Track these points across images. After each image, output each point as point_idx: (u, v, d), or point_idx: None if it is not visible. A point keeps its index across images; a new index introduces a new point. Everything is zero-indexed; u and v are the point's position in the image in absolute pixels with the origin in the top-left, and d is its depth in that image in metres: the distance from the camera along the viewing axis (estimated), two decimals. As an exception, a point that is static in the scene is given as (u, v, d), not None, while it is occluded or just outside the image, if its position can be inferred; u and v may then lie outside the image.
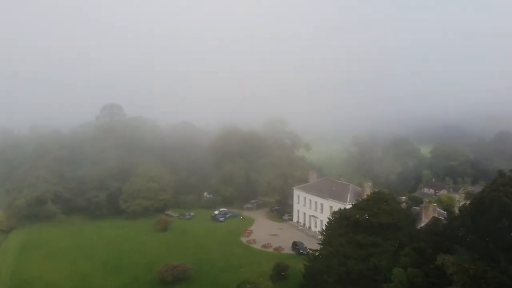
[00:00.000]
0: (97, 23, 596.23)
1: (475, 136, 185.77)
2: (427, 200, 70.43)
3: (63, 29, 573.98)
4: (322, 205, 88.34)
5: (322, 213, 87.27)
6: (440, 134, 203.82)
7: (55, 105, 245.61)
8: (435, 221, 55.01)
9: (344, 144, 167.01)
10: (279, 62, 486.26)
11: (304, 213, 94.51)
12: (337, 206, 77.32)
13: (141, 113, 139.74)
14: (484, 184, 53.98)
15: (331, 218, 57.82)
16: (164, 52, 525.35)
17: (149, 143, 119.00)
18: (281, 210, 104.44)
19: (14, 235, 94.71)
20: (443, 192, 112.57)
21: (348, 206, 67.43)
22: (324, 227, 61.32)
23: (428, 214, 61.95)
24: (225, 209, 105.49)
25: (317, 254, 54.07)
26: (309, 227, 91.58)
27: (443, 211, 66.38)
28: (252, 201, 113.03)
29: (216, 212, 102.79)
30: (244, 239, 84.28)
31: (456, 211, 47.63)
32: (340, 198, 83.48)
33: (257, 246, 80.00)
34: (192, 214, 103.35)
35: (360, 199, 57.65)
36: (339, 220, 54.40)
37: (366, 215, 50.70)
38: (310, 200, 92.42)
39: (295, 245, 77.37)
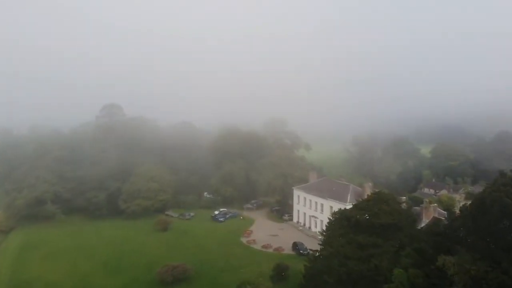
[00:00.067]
0: (97, 23, 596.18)
1: (475, 136, 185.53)
2: (427, 200, 70.21)
3: (63, 29, 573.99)
4: (322, 205, 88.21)
5: (322, 213, 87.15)
6: (440, 134, 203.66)
7: (55, 105, 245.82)
8: (435, 221, 54.89)
9: (344, 144, 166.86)
10: (279, 62, 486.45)
11: (304, 213, 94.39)
12: (337, 206, 77.18)
13: (141, 113, 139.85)
14: (485, 184, 53.93)
15: (331, 218, 57.68)
16: (164, 52, 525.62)
17: (149, 143, 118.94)
18: (281, 210, 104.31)
19: (14, 235, 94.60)
20: (444, 192, 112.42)
21: (349, 206, 67.34)
22: (324, 228, 61.19)
23: (429, 214, 61.86)
24: (225, 209, 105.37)
25: (317, 254, 53.91)
26: (309, 228, 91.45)
27: (443, 211, 66.23)
28: (252, 201, 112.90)
29: (216, 212, 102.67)
30: (244, 240, 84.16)
31: (457, 211, 47.47)
32: (340, 198, 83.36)
33: (257, 246, 79.87)
34: (192, 214, 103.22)
35: (361, 199, 57.50)
36: (339, 221, 54.25)
37: (366, 215, 50.58)
38: (310, 200, 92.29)
39: (295, 246, 77.25)
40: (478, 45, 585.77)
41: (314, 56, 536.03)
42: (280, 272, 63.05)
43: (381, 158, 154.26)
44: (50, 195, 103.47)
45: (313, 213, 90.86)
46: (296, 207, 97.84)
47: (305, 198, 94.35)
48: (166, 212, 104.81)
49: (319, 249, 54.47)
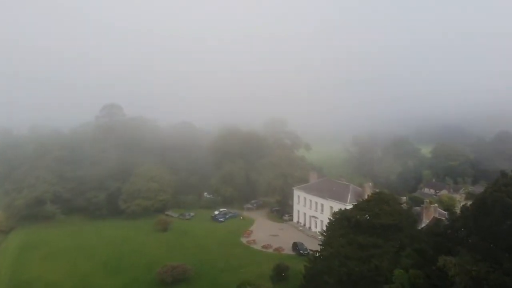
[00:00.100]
0: (97, 23, 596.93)
1: (475, 136, 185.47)
2: (427, 200, 70.16)
3: (63, 29, 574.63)
4: (322, 205, 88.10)
5: (322, 213, 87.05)
6: (440, 134, 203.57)
7: (55, 105, 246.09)
8: (436, 221, 54.75)
9: (344, 144, 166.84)
10: (279, 62, 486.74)
11: (305, 214, 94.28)
12: (337, 206, 77.10)
13: (141, 113, 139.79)
14: (485, 184, 53.87)
15: (331, 218, 57.56)
16: (164, 52, 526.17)
17: (149, 143, 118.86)
18: (281, 210, 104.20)
19: (14, 235, 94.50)
20: (444, 192, 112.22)
21: (349, 206, 67.19)
22: (324, 228, 61.08)
23: (429, 214, 61.73)
24: (225, 209, 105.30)
25: (317, 255, 53.72)
26: (310, 228, 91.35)
27: (444, 212, 66.09)
28: (252, 201, 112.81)
29: (216, 212, 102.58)
30: (244, 240, 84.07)
31: (458, 211, 47.34)
32: (340, 198, 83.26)
33: (257, 246, 79.77)
34: (192, 214, 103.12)
35: (361, 200, 57.39)
36: (339, 221, 54.11)
37: (367, 215, 50.38)
38: (311, 201, 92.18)
39: (295, 246, 77.14)
40: (478, 45, 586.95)
41: (314, 56, 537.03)
42: (280, 273, 62.94)
43: (381, 158, 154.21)
44: (50, 195, 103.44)
45: (313, 213, 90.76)
46: (296, 207, 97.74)
47: (305, 198, 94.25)
48: (166, 212, 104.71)
49: (319, 250, 54.28)
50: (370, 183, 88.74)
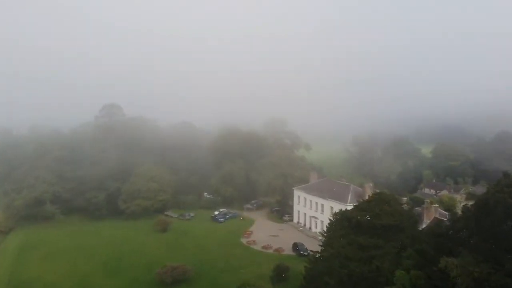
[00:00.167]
0: (97, 23, 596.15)
1: (475, 136, 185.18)
2: (428, 200, 69.99)
3: (63, 29, 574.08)
4: (322, 205, 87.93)
5: (322, 214, 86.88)
6: (440, 134, 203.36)
7: (55, 105, 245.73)
8: (437, 222, 54.48)
9: (344, 144, 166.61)
10: (279, 62, 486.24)
11: (305, 214, 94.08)
12: (338, 206, 76.94)
13: (141, 113, 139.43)
14: (485, 184, 53.70)
15: (332, 219, 57.32)
16: (164, 52, 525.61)
17: (149, 143, 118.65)
18: (282, 210, 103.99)
19: (13, 236, 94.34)
20: (444, 192, 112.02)
21: (349, 206, 66.97)
22: (325, 228, 60.83)
23: (430, 215, 61.52)
24: (225, 209, 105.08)
25: (318, 255, 53.56)
26: (310, 228, 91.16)
27: (444, 212, 65.97)
28: (252, 201, 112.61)
29: (216, 212, 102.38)
30: (244, 240, 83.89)
31: (459, 212, 47.16)
32: (341, 198, 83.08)
33: (257, 247, 79.59)
34: (192, 214, 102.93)
35: (361, 200, 57.20)
36: (340, 221, 53.89)
37: (367, 216, 50.16)
38: (311, 201, 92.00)
39: (295, 246, 76.95)
40: (478, 45, 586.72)
41: (314, 56, 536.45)
42: (280, 273, 62.77)
43: (381, 158, 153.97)
44: (50, 195, 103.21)
45: (314, 213, 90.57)
46: (296, 207, 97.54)
47: (305, 199, 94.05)
48: (166, 213, 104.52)
49: (319, 250, 54.10)
50: (371, 183, 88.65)
